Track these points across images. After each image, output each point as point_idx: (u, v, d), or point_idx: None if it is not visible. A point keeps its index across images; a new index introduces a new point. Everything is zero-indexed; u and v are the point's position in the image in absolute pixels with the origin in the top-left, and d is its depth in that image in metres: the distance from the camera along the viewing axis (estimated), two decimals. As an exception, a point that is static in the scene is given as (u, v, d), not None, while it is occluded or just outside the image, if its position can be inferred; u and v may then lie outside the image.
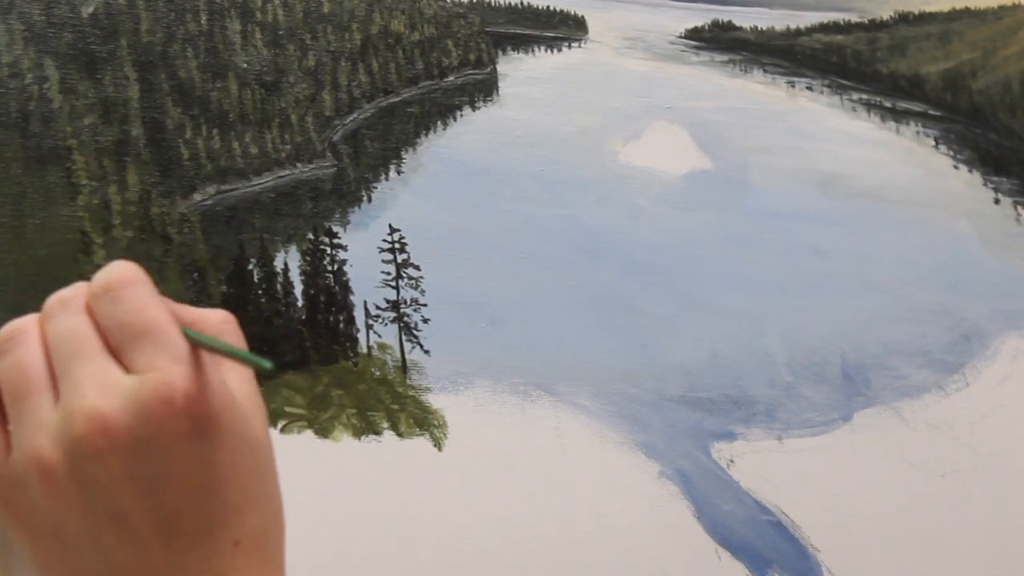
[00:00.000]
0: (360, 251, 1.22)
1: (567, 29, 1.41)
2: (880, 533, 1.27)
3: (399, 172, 1.27)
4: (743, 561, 1.23)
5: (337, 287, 1.21)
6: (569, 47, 1.41)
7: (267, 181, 1.23)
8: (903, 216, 1.40)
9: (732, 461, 1.26)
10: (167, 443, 0.38)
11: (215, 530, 0.39)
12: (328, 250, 1.21)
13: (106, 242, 1.12)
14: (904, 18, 1.48)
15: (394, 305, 1.22)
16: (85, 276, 0.41)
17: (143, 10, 1.18)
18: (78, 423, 0.37)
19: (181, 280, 1.16)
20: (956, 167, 1.46)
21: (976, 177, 1.45)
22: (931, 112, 1.48)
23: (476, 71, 1.36)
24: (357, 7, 1.30)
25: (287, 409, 1.16)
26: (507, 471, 1.20)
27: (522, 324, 1.25)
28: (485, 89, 1.35)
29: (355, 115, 1.29)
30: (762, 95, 1.44)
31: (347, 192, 1.25)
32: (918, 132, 1.47)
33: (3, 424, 0.40)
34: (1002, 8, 1.46)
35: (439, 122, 1.32)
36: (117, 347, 0.39)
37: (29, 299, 1.07)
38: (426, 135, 1.31)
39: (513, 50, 1.37)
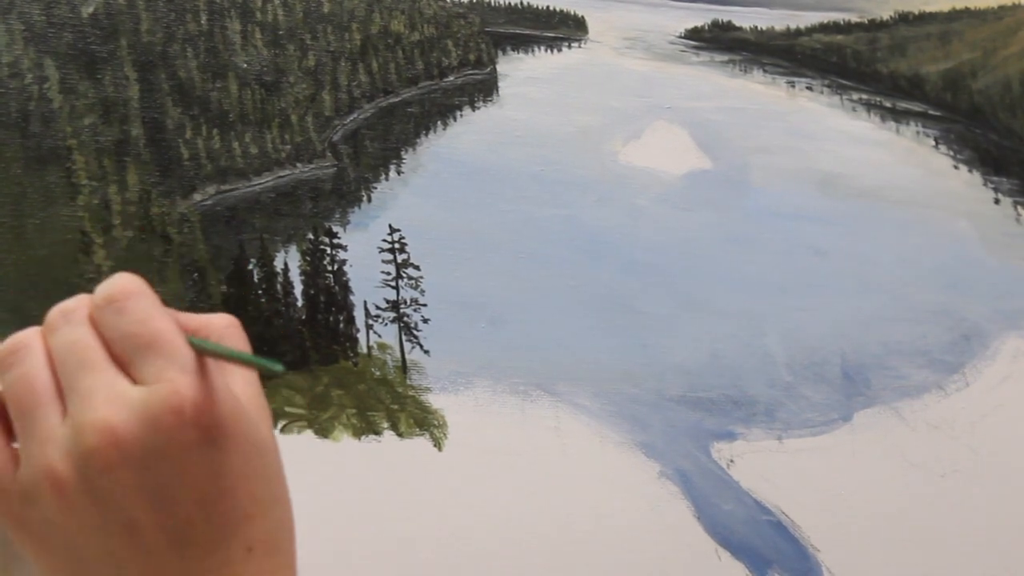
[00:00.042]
0: (360, 251, 1.22)
1: (567, 29, 1.41)
2: (880, 533, 1.27)
3: (399, 172, 1.27)
4: (743, 561, 1.23)
5: (337, 287, 1.21)
6: (569, 47, 1.41)
7: (267, 181, 1.23)
8: (903, 216, 1.40)
9: (732, 461, 1.26)
10: (177, 453, 0.38)
11: (227, 537, 0.39)
12: (328, 250, 1.21)
13: (106, 242, 1.12)
14: (904, 18, 1.48)
15: (394, 305, 1.21)
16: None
17: (143, 10, 1.18)
18: (89, 436, 0.37)
19: (181, 280, 1.16)
20: (956, 167, 1.46)
21: (976, 177, 1.45)
22: (931, 112, 1.48)
23: (476, 71, 1.36)
24: (357, 7, 1.30)
25: (287, 409, 1.16)
26: (507, 471, 1.20)
27: (522, 324, 1.25)
28: (485, 89, 1.35)
29: (355, 115, 1.29)
30: (762, 95, 1.44)
31: (347, 192, 1.25)
32: (918, 132, 1.47)
33: (9, 438, 0.40)
34: (1002, 8, 1.46)
35: (439, 122, 1.32)
36: (122, 358, 0.39)
37: (29, 299, 1.07)
38: (426, 135, 1.31)
39: (513, 50, 1.37)
